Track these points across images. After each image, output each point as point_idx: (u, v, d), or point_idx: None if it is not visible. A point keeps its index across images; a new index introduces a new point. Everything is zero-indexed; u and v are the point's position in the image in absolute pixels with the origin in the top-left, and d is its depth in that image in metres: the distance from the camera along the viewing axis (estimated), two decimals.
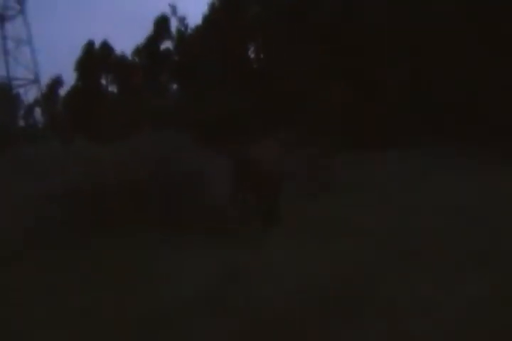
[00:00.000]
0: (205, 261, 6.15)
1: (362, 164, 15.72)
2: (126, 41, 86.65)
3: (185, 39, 40.08)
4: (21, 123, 52.86)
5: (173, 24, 41.69)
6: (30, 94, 52.18)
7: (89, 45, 47.63)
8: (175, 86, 42.72)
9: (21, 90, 48.14)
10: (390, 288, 5.04)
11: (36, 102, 50.22)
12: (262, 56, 37.41)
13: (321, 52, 28.23)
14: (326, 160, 13.72)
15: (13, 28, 44.94)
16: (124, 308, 4.74)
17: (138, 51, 45.27)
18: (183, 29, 40.57)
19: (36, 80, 45.70)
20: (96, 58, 46.74)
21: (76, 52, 48.54)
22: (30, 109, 53.34)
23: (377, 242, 6.91)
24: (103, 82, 47.76)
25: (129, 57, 46.73)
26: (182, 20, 40.32)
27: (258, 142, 9.42)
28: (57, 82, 52.69)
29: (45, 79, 55.20)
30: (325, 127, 24.70)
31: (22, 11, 45.28)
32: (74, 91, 47.69)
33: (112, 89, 48.08)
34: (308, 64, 28.17)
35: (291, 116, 27.88)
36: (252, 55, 38.47)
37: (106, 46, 47.69)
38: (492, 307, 4.57)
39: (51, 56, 79.50)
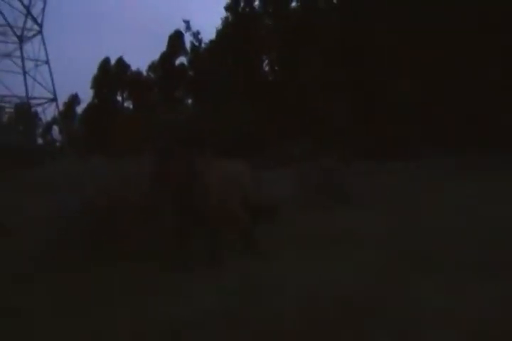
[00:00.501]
0: (216, 276, 6.14)
1: (373, 173, 15.79)
2: (142, 57, 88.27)
3: (200, 54, 40.52)
4: (40, 141, 53.87)
5: (188, 39, 42.26)
6: (48, 113, 52.99)
7: (105, 62, 48.48)
8: (190, 101, 43.20)
9: (39, 109, 48.99)
10: (399, 291, 5.04)
11: (54, 120, 51.09)
12: (276, 68, 37.65)
13: (329, 63, 28.40)
14: (340, 170, 13.69)
15: (32, 48, 45.91)
16: (138, 325, 4.74)
17: (153, 67, 45.95)
18: (197, 44, 40.99)
19: (54, 99, 46.50)
20: (112, 75, 47.51)
21: (93, 69, 49.39)
22: (48, 127, 54.32)
23: (387, 244, 6.95)
24: (119, 98, 48.49)
25: (145, 73, 47.46)
26: (196, 35, 40.76)
27: (216, 161, 7.44)
28: (74, 100, 53.62)
29: (63, 98, 56.25)
30: (338, 138, 24.78)
31: (40, 32, 46.23)
32: (90, 108, 48.47)
33: (128, 105, 48.82)
34: (319, 75, 28.31)
35: (305, 127, 27.99)
36: (267, 68, 38.75)
37: (121, 63, 48.49)
38: (495, 307, 4.53)
39: (69, 75, 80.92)
